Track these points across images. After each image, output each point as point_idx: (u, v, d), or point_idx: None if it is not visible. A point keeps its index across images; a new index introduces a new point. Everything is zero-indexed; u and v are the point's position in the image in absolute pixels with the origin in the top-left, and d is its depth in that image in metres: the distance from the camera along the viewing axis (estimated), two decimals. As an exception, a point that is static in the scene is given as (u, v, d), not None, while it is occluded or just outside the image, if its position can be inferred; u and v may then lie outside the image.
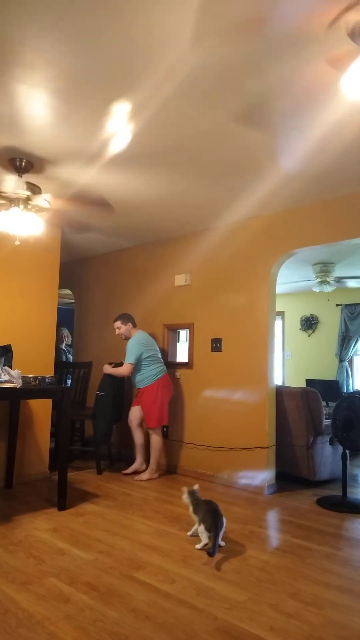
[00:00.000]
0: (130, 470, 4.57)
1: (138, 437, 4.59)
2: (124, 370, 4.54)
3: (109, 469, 4.77)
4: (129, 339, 4.63)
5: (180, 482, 4.37)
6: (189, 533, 3.01)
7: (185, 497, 2.97)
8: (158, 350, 4.65)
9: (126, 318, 4.69)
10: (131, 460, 4.84)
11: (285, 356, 8.47)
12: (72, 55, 2.12)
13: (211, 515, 2.74)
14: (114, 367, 4.64)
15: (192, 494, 2.95)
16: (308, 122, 2.65)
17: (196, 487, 3.02)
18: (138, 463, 4.62)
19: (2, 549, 2.73)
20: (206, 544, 2.76)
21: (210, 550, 2.64)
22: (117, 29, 1.94)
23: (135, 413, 4.58)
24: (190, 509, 2.91)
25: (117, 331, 4.69)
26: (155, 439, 4.48)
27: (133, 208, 4.19)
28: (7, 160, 3.20)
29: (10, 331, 4.24)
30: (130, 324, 4.68)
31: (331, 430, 3.96)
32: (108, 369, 4.65)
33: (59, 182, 3.57)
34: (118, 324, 4.68)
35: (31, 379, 3.67)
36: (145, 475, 4.43)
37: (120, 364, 4.61)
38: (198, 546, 2.80)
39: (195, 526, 2.90)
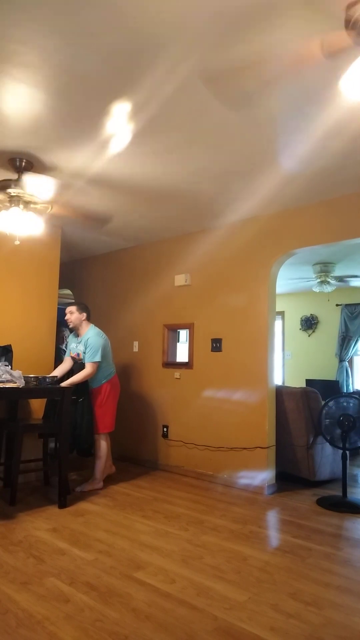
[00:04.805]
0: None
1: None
2: (88, 372, 3.98)
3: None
4: (75, 328, 4.21)
5: (181, 482, 4.37)
6: None
7: None
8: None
9: (83, 308, 4.22)
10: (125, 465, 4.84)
11: (285, 356, 8.47)
12: (72, 56, 2.12)
13: None
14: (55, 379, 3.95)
15: None
16: (308, 123, 2.65)
17: None
18: (107, 466, 4.33)
19: (2, 549, 2.73)
20: None
21: None
22: (118, 29, 1.94)
23: None
24: None
25: (67, 316, 4.16)
26: (102, 446, 4.13)
27: (133, 208, 4.19)
28: (7, 160, 3.20)
29: (11, 331, 4.24)
30: (85, 314, 4.19)
31: (321, 430, 3.95)
32: (69, 381, 3.91)
33: (59, 181, 3.56)
34: (73, 308, 4.18)
35: (32, 379, 3.67)
36: (88, 486, 4.03)
37: (43, 380, 3.79)
38: None
39: None
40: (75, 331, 4.27)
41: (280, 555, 2.75)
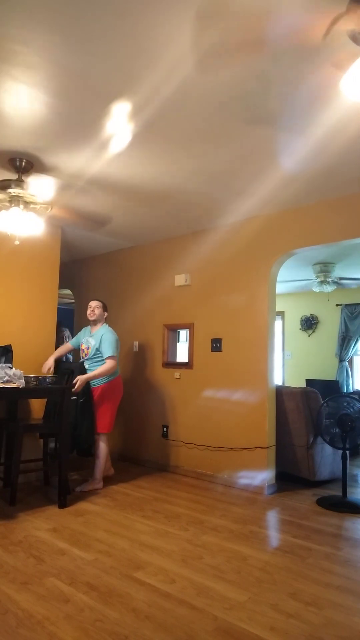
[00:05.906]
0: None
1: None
2: (109, 367, 4.07)
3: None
4: (94, 323, 4.31)
5: (181, 482, 4.37)
6: None
7: None
8: None
9: (105, 307, 4.39)
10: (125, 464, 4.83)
11: (285, 356, 8.47)
12: (72, 55, 2.12)
13: None
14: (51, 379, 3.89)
15: None
16: (309, 123, 2.65)
17: None
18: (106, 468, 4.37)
19: (2, 549, 2.74)
20: None
21: None
22: (118, 29, 1.94)
23: None
24: None
25: (91, 309, 4.28)
26: (102, 446, 4.14)
27: (134, 208, 4.19)
28: (7, 160, 3.20)
29: (11, 331, 4.24)
30: (106, 313, 4.39)
31: (320, 431, 3.94)
32: (86, 376, 3.99)
33: (59, 182, 3.57)
34: (99, 304, 4.33)
35: (32, 379, 3.67)
36: (88, 486, 4.03)
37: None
38: None
39: None
40: (90, 325, 4.39)
41: (280, 555, 2.75)
